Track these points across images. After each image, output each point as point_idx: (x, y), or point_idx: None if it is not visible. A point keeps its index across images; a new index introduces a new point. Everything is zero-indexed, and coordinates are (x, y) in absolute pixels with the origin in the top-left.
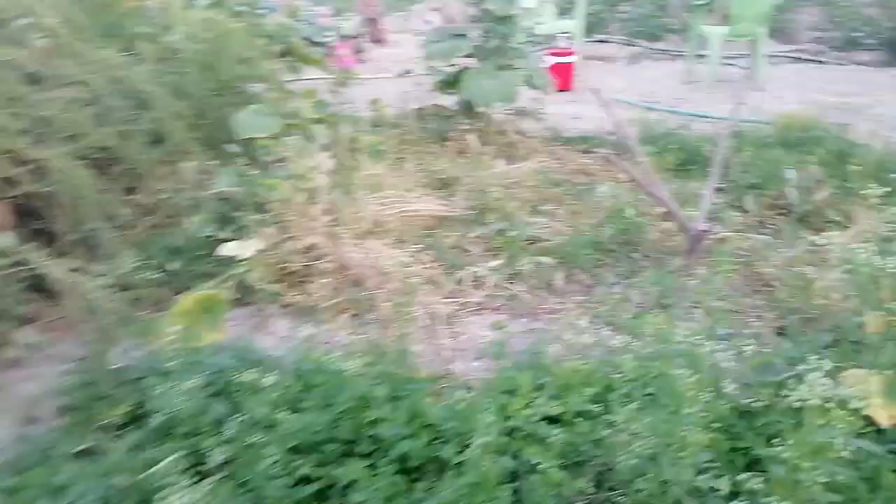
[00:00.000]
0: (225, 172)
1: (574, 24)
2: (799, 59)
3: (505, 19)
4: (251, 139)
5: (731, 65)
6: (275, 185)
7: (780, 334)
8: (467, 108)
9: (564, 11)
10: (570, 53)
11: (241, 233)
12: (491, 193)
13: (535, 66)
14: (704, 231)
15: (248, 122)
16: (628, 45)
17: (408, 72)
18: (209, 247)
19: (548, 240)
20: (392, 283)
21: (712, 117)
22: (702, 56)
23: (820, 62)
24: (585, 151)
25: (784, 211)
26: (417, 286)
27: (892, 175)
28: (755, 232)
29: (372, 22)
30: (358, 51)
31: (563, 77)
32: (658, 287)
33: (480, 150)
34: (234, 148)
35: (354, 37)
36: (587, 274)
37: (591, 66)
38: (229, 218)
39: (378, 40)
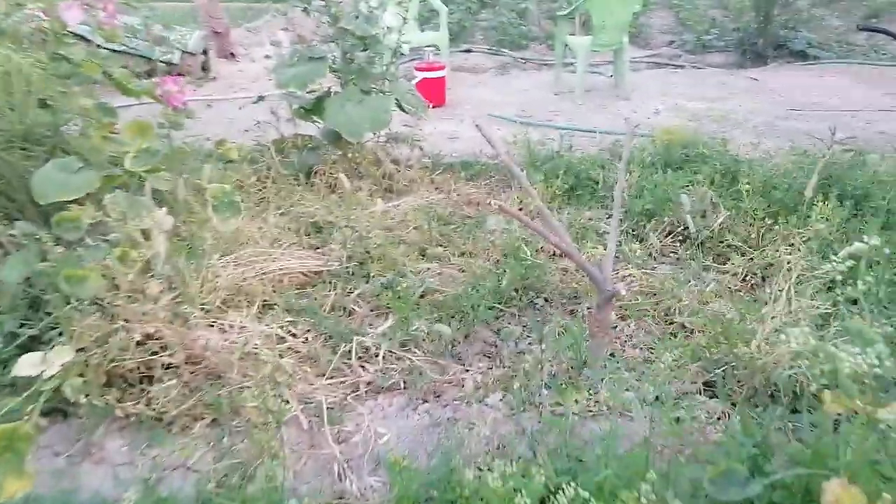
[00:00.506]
0: (14, 260)
1: (439, 37)
2: (658, 65)
3: (366, 39)
4: (59, 203)
5: (597, 73)
6: (83, 276)
7: (712, 395)
8: (335, 138)
9: (424, 22)
10: (439, 68)
11: (47, 335)
12: (371, 239)
13: (405, 88)
14: (618, 293)
15: (51, 181)
16: (495, 54)
17: (261, 98)
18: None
19: (441, 291)
20: (260, 369)
21: (592, 131)
22: (569, 65)
23: (677, 66)
24: (469, 179)
25: (682, 238)
26: (293, 370)
27: (778, 193)
28: (657, 263)
29: (218, 35)
30: (204, 68)
31: (435, 93)
32: (570, 343)
33: (354, 186)
34: (33, 218)
35: (200, 53)
36: (490, 329)
37: (460, 79)
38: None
39: (227, 55)
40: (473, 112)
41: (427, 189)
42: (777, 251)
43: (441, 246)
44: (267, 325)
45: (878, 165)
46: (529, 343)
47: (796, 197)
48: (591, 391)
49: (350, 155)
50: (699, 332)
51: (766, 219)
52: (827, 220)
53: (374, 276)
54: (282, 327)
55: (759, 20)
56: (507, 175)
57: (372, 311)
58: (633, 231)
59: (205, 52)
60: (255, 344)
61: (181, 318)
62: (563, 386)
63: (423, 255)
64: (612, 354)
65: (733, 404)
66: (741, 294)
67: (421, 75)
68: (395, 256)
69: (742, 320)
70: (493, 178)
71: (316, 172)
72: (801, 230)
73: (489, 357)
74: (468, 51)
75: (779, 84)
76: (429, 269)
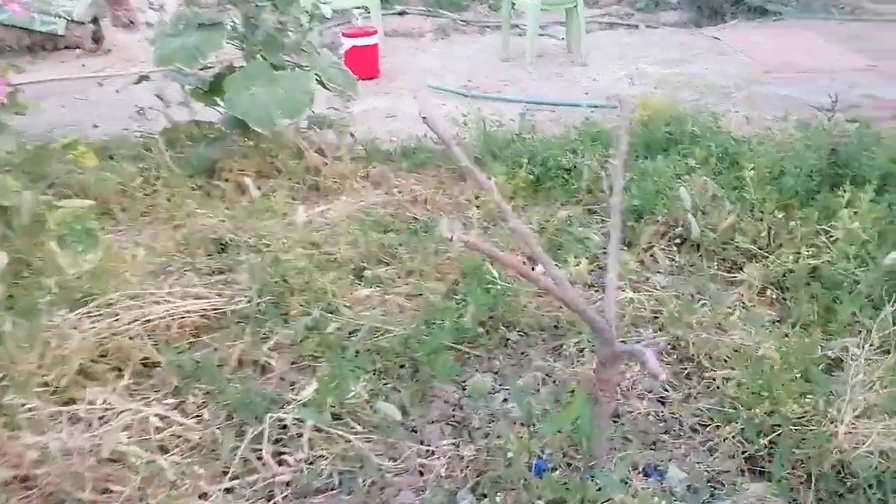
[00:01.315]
0: None
1: None
2: (609, 25)
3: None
4: None
5: (548, 35)
6: None
7: (759, 473)
8: (240, 127)
9: None
10: (370, 33)
11: None
12: (291, 262)
13: (328, 61)
14: (625, 352)
15: None
16: (432, 16)
17: (144, 77)
18: None
19: (385, 330)
20: (127, 480)
21: (556, 104)
22: (515, 27)
23: (630, 26)
24: (414, 170)
25: (679, 241)
26: (177, 474)
27: (789, 179)
28: (651, 273)
29: (114, 2)
30: (96, 39)
31: (366, 63)
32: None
33: (269, 188)
34: None
35: (90, 22)
36: (452, 382)
37: (395, 46)
38: None
39: (124, 23)
40: (412, 83)
41: (362, 186)
42: (798, 254)
43: (383, 264)
44: (143, 401)
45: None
46: (505, 400)
47: (809, 183)
48: (600, 488)
49: (263, 146)
50: (724, 377)
51: (777, 212)
52: (856, 213)
53: (294, 315)
54: (165, 403)
55: None
56: (458, 167)
57: (293, 364)
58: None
59: (96, 21)
60: (122, 438)
61: (9, 413)
62: (563, 484)
63: (361, 279)
64: (616, 415)
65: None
66: (769, 317)
67: (349, 43)
68: (322, 285)
69: (787, 364)
70: (443, 167)
71: (219, 170)
72: (822, 225)
73: (454, 426)
74: (402, 13)
75: (743, 43)
76: (368, 298)
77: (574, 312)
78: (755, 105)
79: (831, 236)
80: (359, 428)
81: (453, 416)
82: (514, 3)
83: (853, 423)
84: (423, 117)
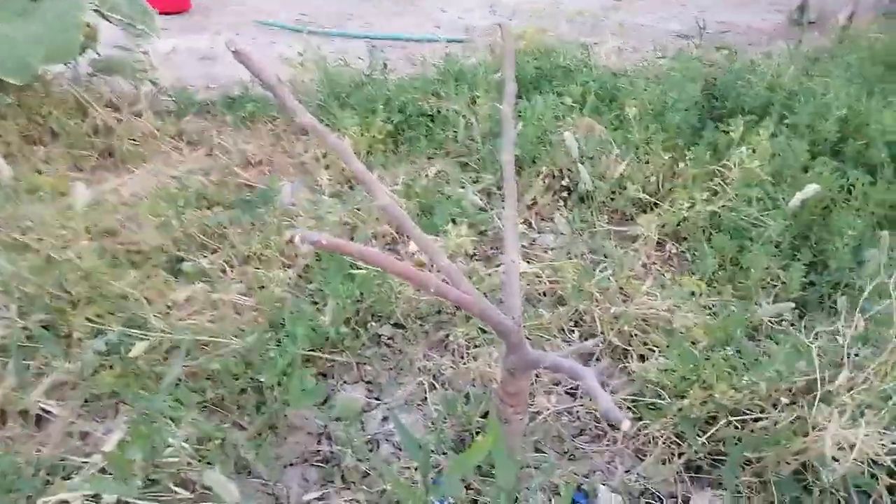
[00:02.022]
0: None
1: None
2: None
3: None
4: None
5: None
6: None
7: (696, 483)
8: None
9: None
10: None
11: None
12: (72, 262)
13: None
14: (544, 364)
15: None
16: None
17: None
18: None
19: (216, 346)
20: None
21: (404, 38)
22: None
23: None
24: (243, 125)
25: (566, 192)
26: None
27: (673, 115)
28: (536, 233)
29: None
30: None
31: None
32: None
33: (38, 158)
34: None
35: None
36: (314, 408)
37: None
38: None
39: None
40: (234, 19)
41: (174, 149)
42: (692, 200)
43: (208, 251)
44: None
45: (768, 66)
46: (385, 419)
47: (691, 118)
48: None
49: (28, 102)
50: (637, 354)
51: (665, 153)
52: (754, 151)
53: (81, 338)
54: None
55: None
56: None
57: (84, 408)
58: (497, 189)
59: None
60: None
61: None
62: None
63: (177, 275)
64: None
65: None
66: (670, 274)
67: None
68: (120, 289)
69: (714, 338)
70: (280, 118)
71: None
72: (714, 166)
73: (321, 467)
74: None
75: None
76: (190, 300)
77: (477, 315)
78: (626, 35)
79: (726, 178)
80: (183, 494)
81: (318, 452)
82: None
83: (824, 425)
84: (234, 51)
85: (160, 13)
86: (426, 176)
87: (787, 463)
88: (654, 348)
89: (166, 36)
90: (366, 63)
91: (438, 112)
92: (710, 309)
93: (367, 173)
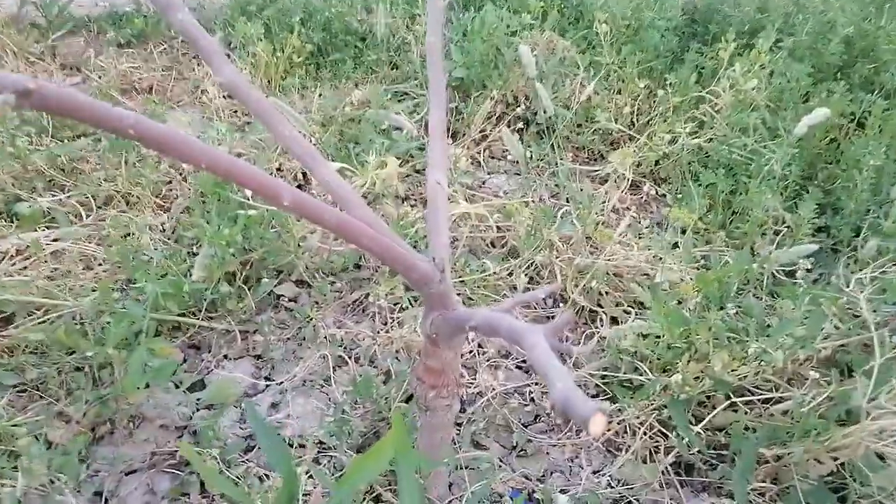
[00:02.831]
0: None
1: None
2: None
3: None
4: None
5: None
6: None
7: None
8: None
9: None
10: None
11: None
12: None
13: None
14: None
15: None
16: None
17: None
18: None
19: (50, 308)
20: None
21: None
22: None
23: None
24: (127, 45)
25: (523, 123)
26: None
27: (651, 35)
28: (487, 174)
29: None
30: None
31: None
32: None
33: None
34: None
35: None
36: (176, 391)
37: None
38: None
39: None
40: None
41: (43, 70)
42: (674, 133)
43: (56, 189)
44: None
45: None
46: (275, 405)
47: (671, 41)
48: None
49: None
50: (609, 316)
51: (640, 80)
52: (748, 71)
53: None
54: None
55: None
56: (209, 32)
57: None
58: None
59: None
60: None
61: None
62: None
63: (14, 220)
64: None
65: None
66: (648, 221)
67: None
68: None
69: (707, 295)
70: (174, 41)
71: None
72: (700, 93)
73: (176, 473)
74: None
75: None
76: (21, 253)
77: (377, 256)
78: None
79: (715, 105)
80: None
81: (174, 454)
82: None
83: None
84: None
85: None
86: (350, 103)
87: (819, 462)
88: (631, 308)
89: None
90: None
91: (370, 32)
92: (701, 261)
93: (243, 85)
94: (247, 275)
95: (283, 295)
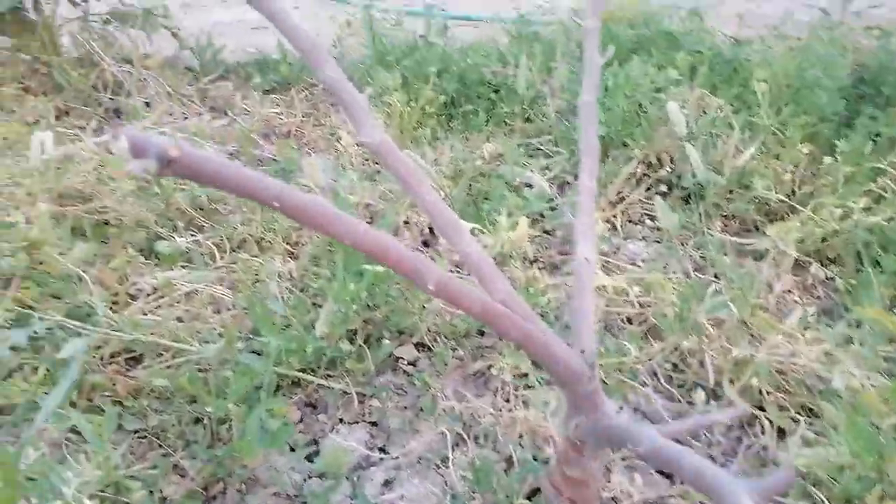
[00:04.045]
0: None
1: None
2: None
3: None
4: None
5: None
6: None
7: None
8: None
9: None
10: None
11: None
12: (10, 227)
13: None
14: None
15: None
16: None
17: None
18: None
19: (176, 352)
20: None
21: (475, 18)
22: None
23: None
24: (272, 91)
25: (666, 186)
26: None
27: (819, 95)
28: (623, 238)
29: None
30: None
31: None
32: None
33: (31, 113)
34: None
35: None
36: (290, 454)
37: None
38: None
39: None
40: None
41: (196, 114)
42: (845, 207)
43: (195, 229)
44: None
45: None
46: (388, 483)
47: (838, 103)
48: None
49: (30, 48)
50: (775, 423)
51: (803, 144)
52: None
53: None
54: None
55: None
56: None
57: None
58: (574, 179)
59: None
60: None
61: None
62: None
63: (152, 257)
64: None
65: None
66: (815, 308)
67: None
68: (66, 267)
69: None
70: (318, 87)
71: None
72: (876, 164)
73: None
74: None
75: None
76: (162, 290)
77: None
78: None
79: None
80: None
81: None
82: None
83: None
84: None
85: None
86: (481, 157)
87: None
88: (799, 415)
89: (224, 8)
90: (423, 25)
91: (504, 83)
92: (886, 364)
93: (347, 86)
94: (368, 333)
95: (402, 357)
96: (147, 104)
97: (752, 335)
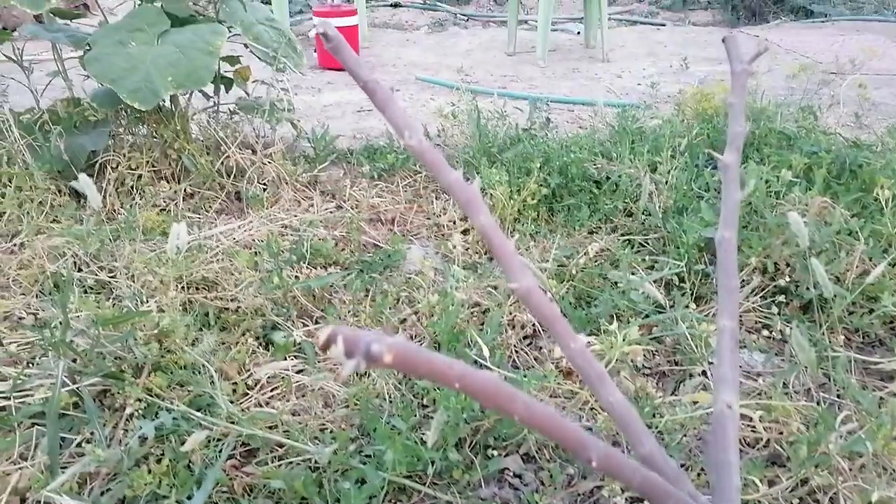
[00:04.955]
0: None
1: None
2: (634, 23)
3: None
4: None
5: (560, 30)
6: None
7: None
8: (114, 101)
9: None
10: (349, 13)
11: None
12: (148, 315)
13: (260, 15)
14: None
15: None
16: (429, 9)
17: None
18: None
19: (288, 451)
20: None
21: (563, 101)
22: (523, 22)
23: (657, 25)
24: (380, 177)
25: (784, 296)
26: None
27: None
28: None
29: None
30: None
31: None
32: None
33: (164, 193)
34: None
35: None
36: None
37: (382, 37)
38: None
39: None
40: (398, 76)
41: (304, 198)
42: None
43: (308, 318)
44: None
45: None
46: None
47: None
48: None
49: (164, 134)
50: None
51: None
52: None
53: (132, 414)
54: None
55: None
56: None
57: None
58: (679, 282)
59: None
60: None
61: None
62: None
63: (268, 346)
64: None
65: None
66: None
67: (321, 23)
68: (195, 358)
69: None
70: (422, 174)
71: (103, 168)
72: None
73: None
74: (395, 5)
75: (794, 43)
76: (276, 380)
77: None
78: (865, 99)
79: None
80: None
81: None
82: None
83: None
84: (323, 33)
85: (330, 69)
86: (585, 254)
87: None
88: None
89: (332, 90)
90: (524, 118)
91: (607, 178)
92: None
93: (498, 235)
94: (475, 441)
95: (507, 468)
96: (265, 187)
97: (886, 469)
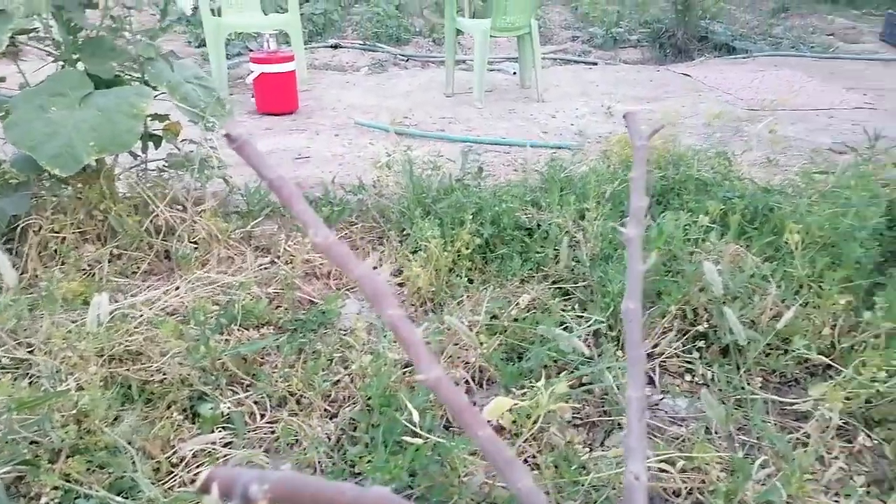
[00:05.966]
0: None
1: (287, 20)
2: (567, 62)
3: None
4: None
5: (497, 70)
6: None
7: None
8: (35, 167)
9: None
10: (286, 58)
11: None
12: (62, 395)
13: (189, 73)
14: None
15: None
16: (369, 50)
17: None
18: None
19: None
20: None
21: (506, 143)
22: (461, 62)
23: (589, 63)
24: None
25: (703, 341)
26: None
27: (852, 247)
28: (658, 395)
29: None
30: None
31: (281, 94)
32: None
33: (86, 257)
34: None
35: None
36: None
37: (322, 79)
38: None
39: None
40: (336, 120)
41: (237, 254)
42: (889, 368)
43: (239, 386)
44: None
45: None
46: None
47: (870, 251)
48: None
49: (88, 196)
50: None
51: (840, 296)
52: None
53: (51, 502)
54: None
55: (677, 9)
56: (384, 219)
57: None
58: (608, 330)
59: None
60: None
61: None
62: None
63: (195, 420)
64: None
65: None
66: (864, 479)
67: (258, 69)
68: (113, 439)
69: None
70: (359, 225)
71: (25, 233)
72: None
73: None
74: (335, 46)
75: (717, 80)
76: (201, 457)
77: None
78: (776, 143)
79: None
80: None
81: None
82: (459, 31)
83: None
84: (227, 135)
85: (269, 114)
86: (517, 305)
87: None
88: None
89: (270, 136)
90: (457, 166)
91: (538, 226)
92: None
93: (406, 327)
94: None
95: None
96: (195, 246)
97: None
